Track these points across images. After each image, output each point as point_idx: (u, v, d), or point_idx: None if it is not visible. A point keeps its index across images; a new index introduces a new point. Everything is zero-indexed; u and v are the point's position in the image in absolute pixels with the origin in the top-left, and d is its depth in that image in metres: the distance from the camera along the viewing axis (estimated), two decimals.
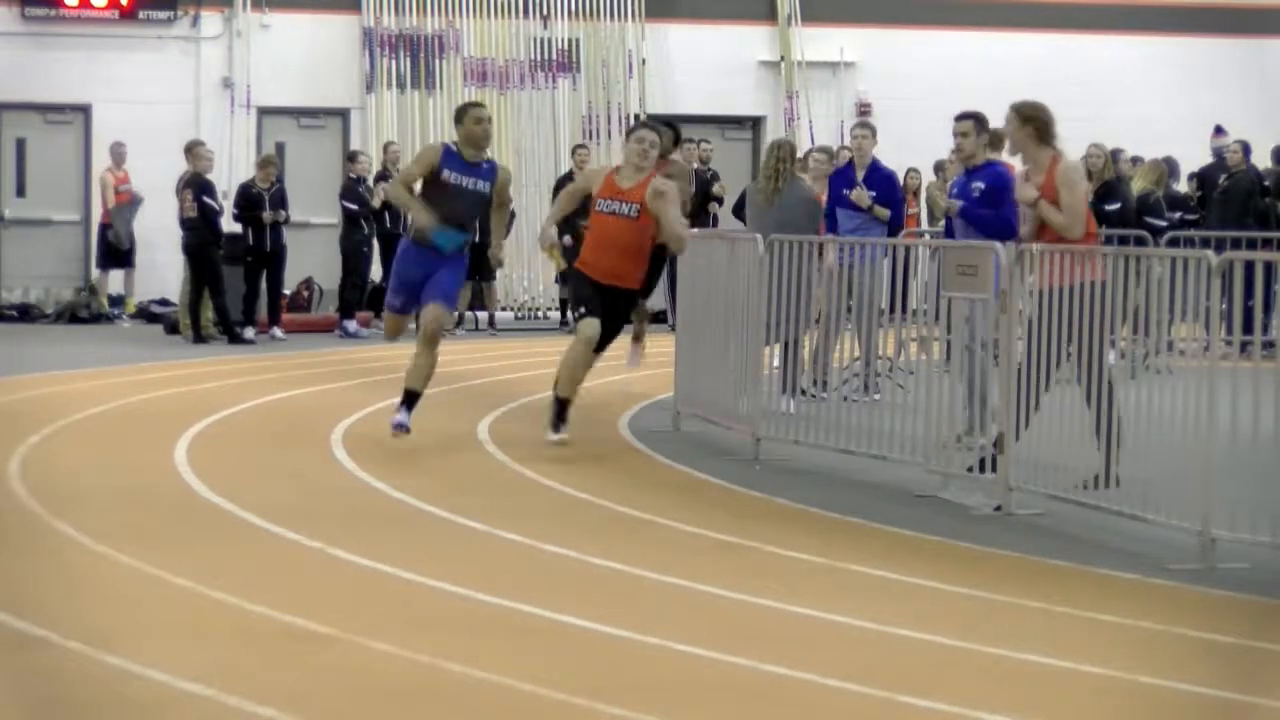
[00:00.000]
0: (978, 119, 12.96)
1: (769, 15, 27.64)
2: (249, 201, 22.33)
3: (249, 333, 21.85)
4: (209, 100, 26.02)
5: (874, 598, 8.16)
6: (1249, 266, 9.26)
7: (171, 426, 13.19)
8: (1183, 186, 23.12)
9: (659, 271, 15.35)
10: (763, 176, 15.08)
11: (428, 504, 10.26)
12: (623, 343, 14.20)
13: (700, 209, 22.60)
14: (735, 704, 6.37)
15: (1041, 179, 10.92)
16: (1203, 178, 22.92)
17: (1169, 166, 21.61)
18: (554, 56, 26.78)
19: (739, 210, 18.91)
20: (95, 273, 25.12)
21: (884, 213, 15.28)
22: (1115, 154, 20.14)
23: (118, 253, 24.63)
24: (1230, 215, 20.86)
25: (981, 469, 10.76)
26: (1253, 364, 9.20)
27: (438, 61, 26.53)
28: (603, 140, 26.51)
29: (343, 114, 26.54)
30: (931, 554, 9.24)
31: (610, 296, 12.50)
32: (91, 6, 25.59)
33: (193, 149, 22.28)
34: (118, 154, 24.75)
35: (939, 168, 23.86)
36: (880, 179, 15.45)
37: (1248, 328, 9.40)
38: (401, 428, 12.36)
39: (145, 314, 24.71)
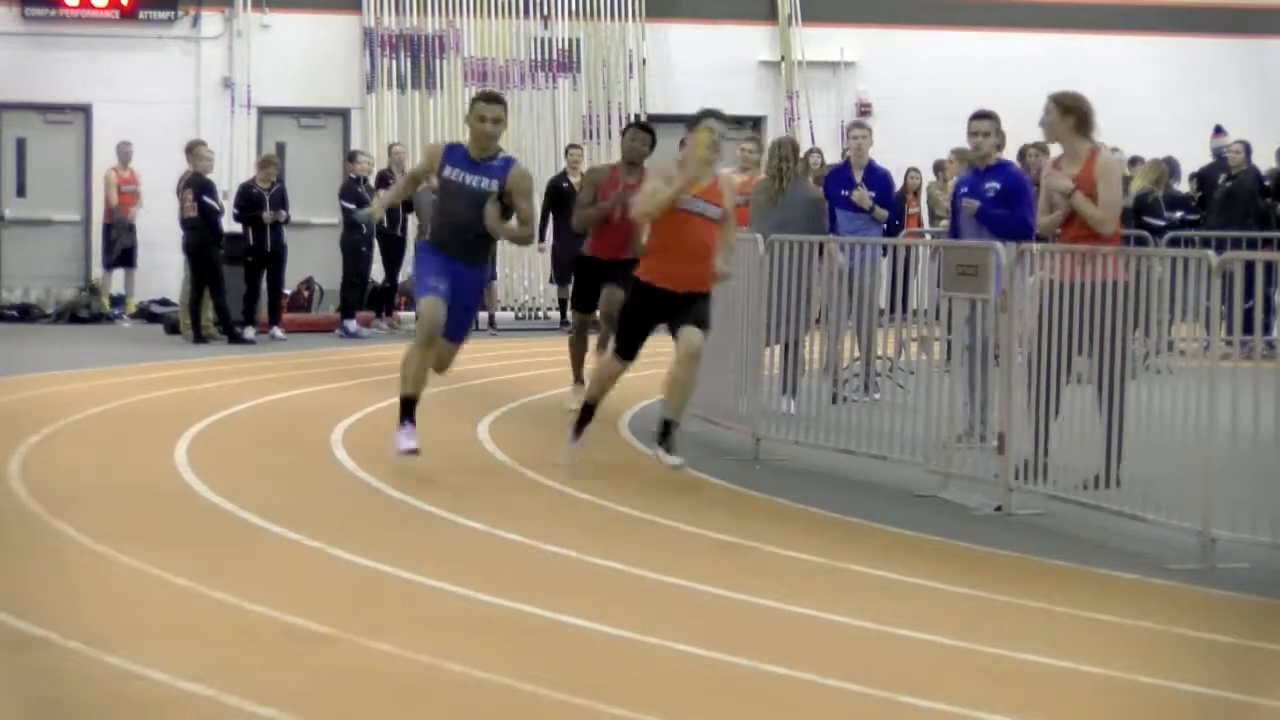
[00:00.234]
0: (995, 118, 12.95)
1: (769, 15, 27.66)
2: (249, 201, 22.34)
3: (249, 333, 21.86)
4: (209, 100, 26.02)
5: (874, 598, 8.16)
6: (1249, 266, 9.26)
7: (171, 426, 13.19)
8: (1183, 186, 23.12)
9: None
10: (767, 176, 15.07)
11: (428, 504, 10.26)
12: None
13: None
14: (735, 704, 6.37)
15: (1077, 170, 10.88)
16: (1203, 178, 22.92)
17: (1169, 166, 21.62)
18: (554, 56, 26.79)
19: None
20: (99, 272, 25.12)
21: (883, 213, 15.31)
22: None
23: (124, 251, 24.59)
24: (1234, 216, 20.86)
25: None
26: (1253, 364, 9.20)
27: (438, 61, 26.54)
28: (603, 140, 26.52)
29: (343, 114, 26.55)
30: (931, 554, 9.24)
31: (689, 303, 11.33)
32: (92, 6, 25.60)
33: (193, 149, 22.29)
34: (124, 153, 24.74)
35: (939, 168, 23.88)
36: (877, 179, 15.47)
37: (1248, 328, 9.40)
38: (411, 453, 11.24)
39: (145, 314, 24.72)
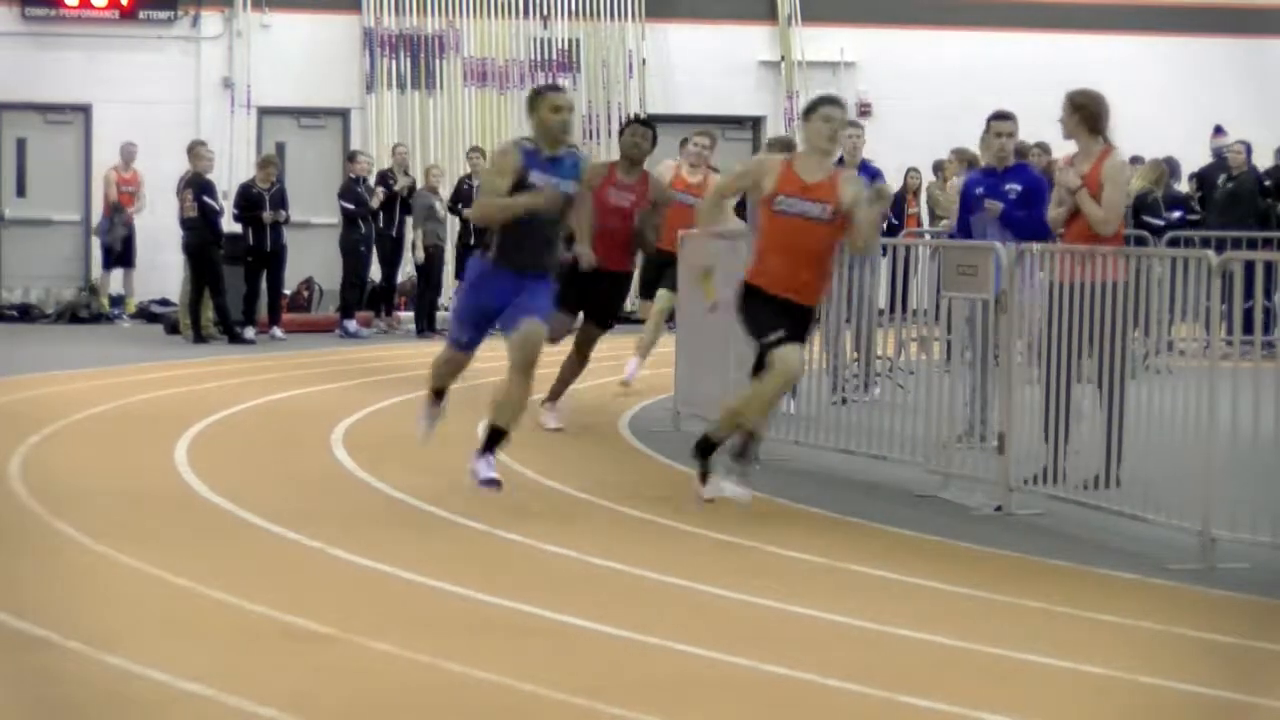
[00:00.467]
0: (1016, 119, 12.93)
1: (769, 15, 27.65)
2: (249, 201, 22.34)
3: (249, 333, 21.86)
4: (209, 100, 26.03)
5: (874, 598, 8.16)
6: (1249, 266, 9.26)
7: (171, 426, 13.18)
8: (1183, 186, 23.12)
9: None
10: None
11: (428, 504, 10.26)
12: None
13: None
14: (735, 704, 6.36)
15: (1087, 168, 10.88)
16: (1203, 178, 22.92)
17: (1169, 166, 21.61)
18: (554, 56, 26.79)
19: (740, 209, 18.89)
20: (99, 272, 25.12)
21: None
22: None
23: (118, 253, 24.59)
24: (1235, 216, 20.86)
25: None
26: (1253, 364, 9.20)
27: (438, 61, 26.54)
28: (603, 140, 26.51)
29: (343, 114, 26.55)
30: (931, 554, 9.24)
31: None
32: (91, 6, 25.60)
33: (193, 149, 22.31)
34: (128, 153, 24.74)
35: (938, 168, 23.87)
36: (870, 178, 15.43)
37: (1248, 328, 9.40)
38: (493, 485, 10.18)
39: (145, 314, 24.72)
